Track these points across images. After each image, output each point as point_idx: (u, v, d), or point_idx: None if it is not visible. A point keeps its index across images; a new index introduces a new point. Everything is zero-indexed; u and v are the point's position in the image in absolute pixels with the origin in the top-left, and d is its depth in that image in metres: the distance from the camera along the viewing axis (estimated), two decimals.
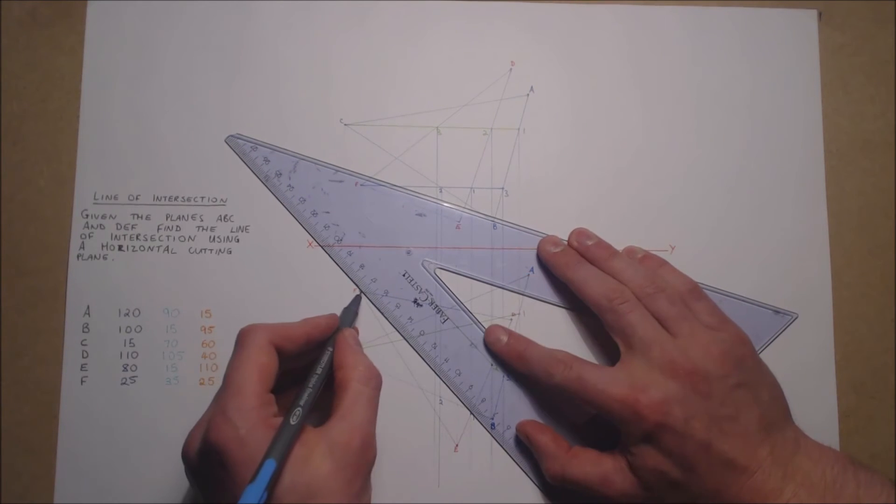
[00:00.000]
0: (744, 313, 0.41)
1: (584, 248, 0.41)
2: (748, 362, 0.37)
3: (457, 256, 0.42)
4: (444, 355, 0.41)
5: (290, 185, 0.40)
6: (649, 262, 0.41)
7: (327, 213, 0.42)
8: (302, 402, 0.33)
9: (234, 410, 0.31)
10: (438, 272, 0.41)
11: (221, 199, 0.42)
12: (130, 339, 0.41)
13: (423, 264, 0.41)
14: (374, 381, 0.35)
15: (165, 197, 0.42)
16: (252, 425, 0.31)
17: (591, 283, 0.39)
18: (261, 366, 0.33)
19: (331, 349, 0.36)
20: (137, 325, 0.41)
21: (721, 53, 0.44)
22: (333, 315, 0.38)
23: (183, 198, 0.42)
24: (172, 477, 0.40)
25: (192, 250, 0.41)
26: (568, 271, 0.40)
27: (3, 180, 0.42)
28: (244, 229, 0.42)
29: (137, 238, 0.41)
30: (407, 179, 0.42)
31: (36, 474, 0.40)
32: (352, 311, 0.40)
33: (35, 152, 0.42)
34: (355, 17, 0.43)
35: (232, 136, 0.41)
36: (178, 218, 0.42)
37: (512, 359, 0.40)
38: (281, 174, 0.41)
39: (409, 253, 0.41)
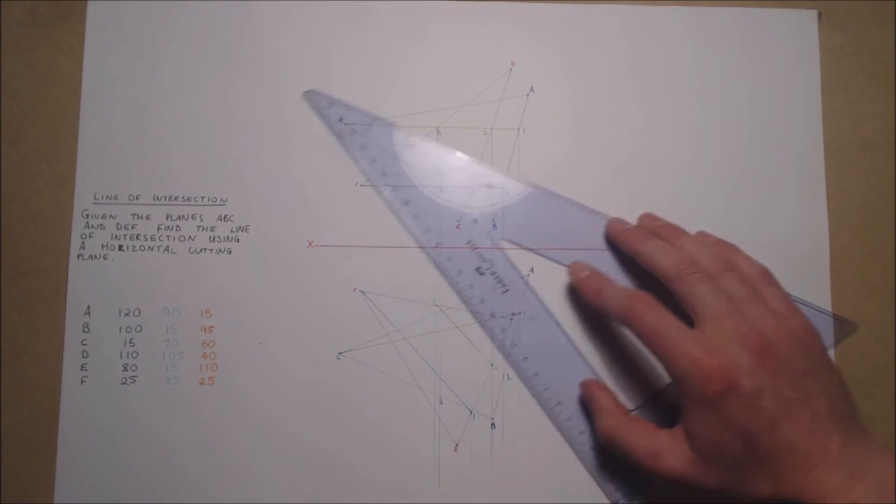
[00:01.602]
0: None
1: (654, 227, 0.41)
2: (817, 352, 0.35)
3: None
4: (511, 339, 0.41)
5: (362, 145, 0.40)
6: (721, 246, 0.40)
7: (397, 174, 0.42)
8: None
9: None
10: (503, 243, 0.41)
11: (221, 199, 0.42)
12: (130, 339, 0.41)
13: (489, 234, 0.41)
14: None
15: (165, 197, 0.42)
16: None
17: (660, 254, 0.38)
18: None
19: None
20: (137, 325, 0.41)
21: (721, 53, 0.44)
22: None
23: (183, 198, 0.42)
24: (172, 477, 0.40)
25: (192, 250, 0.41)
26: (637, 244, 0.40)
27: (3, 180, 0.42)
28: (244, 229, 0.42)
29: (137, 238, 0.41)
30: (407, 179, 0.42)
31: (36, 474, 0.40)
32: None
33: (35, 152, 0.42)
34: (355, 17, 0.43)
35: (310, 91, 0.42)
36: (178, 218, 0.42)
37: (590, 293, 0.40)
38: (355, 132, 0.41)
39: (475, 221, 0.42)
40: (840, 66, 0.44)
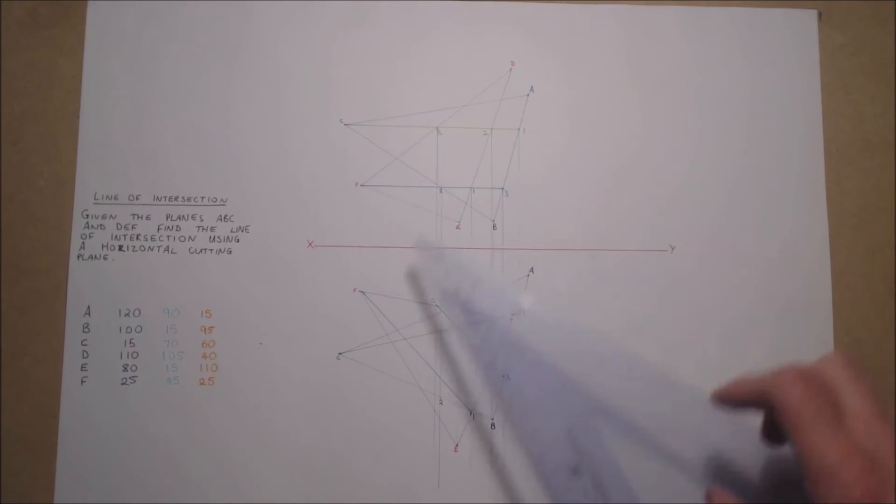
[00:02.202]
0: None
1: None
2: None
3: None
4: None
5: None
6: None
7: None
8: None
9: None
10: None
11: (221, 199, 0.42)
12: (130, 340, 0.41)
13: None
14: None
15: (165, 197, 0.42)
16: None
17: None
18: None
19: None
20: (137, 325, 0.41)
21: (721, 53, 0.44)
22: None
23: (183, 198, 0.42)
24: (172, 477, 0.40)
25: (192, 250, 0.41)
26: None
27: (3, 180, 0.42)
28: (244, 229, 0.42)
29: (137, 238, 0.41)
30: (407, 179, 0.42)
31: (36, 474, 0.40)
32: None
33: (35, 152, 0.42)
34: (355, 17, 0.43)
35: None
36: (178, 218, 0.42)
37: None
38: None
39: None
40: (840, 66, 0.44)
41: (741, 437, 0.41)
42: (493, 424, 0.41)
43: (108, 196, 0.42)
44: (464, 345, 0.41)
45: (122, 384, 0.40)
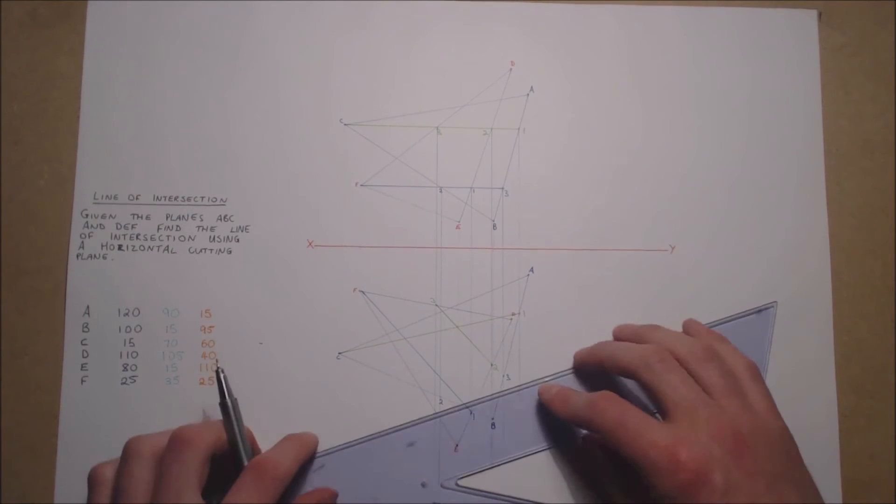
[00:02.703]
0: (736, 331, 0.41)
1: (626, 334, 0.40)
2: (796, 460, 0.34)
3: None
4: None
5: None
6: (705, 336, 0.39)
7: None
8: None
9: None
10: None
11: (221, 199, 0.42)
12: (130, 339, 0.41)
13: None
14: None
15: (165, 197, 0.42)
16: None
17: (623, 350, 0.37)
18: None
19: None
20: (137, 325, 0.41)
21: (721, 53, 0.44)
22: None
23: (183, 198, 0.42)
24: None
25: (192, 250, 0.41)
26: (598, 352, 0.39)
27: (3, 180, 0.42)
28: (244, 229, 0.42)
29: (137, 238, 0.41)
30: (407, 179, 0.42)
31: (36, 474, 0.40)
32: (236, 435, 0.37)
33: (35, 152, 0.42)
34: (355, 17, 0.43)
35: None
36: (178, 218, 0.42)
37: (559, 405, 0.38)
38: None
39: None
40: (840, 66, 0.44)
41: None
42: (493, 424, 0.41)
43: (107, 196, 0.42)
44: (464, 345, 0.41)
45: (122, 384, 0.40)
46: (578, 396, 0.37)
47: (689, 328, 0.41)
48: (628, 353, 0.37)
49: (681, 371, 0.35)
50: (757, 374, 0.36)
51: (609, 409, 0.35)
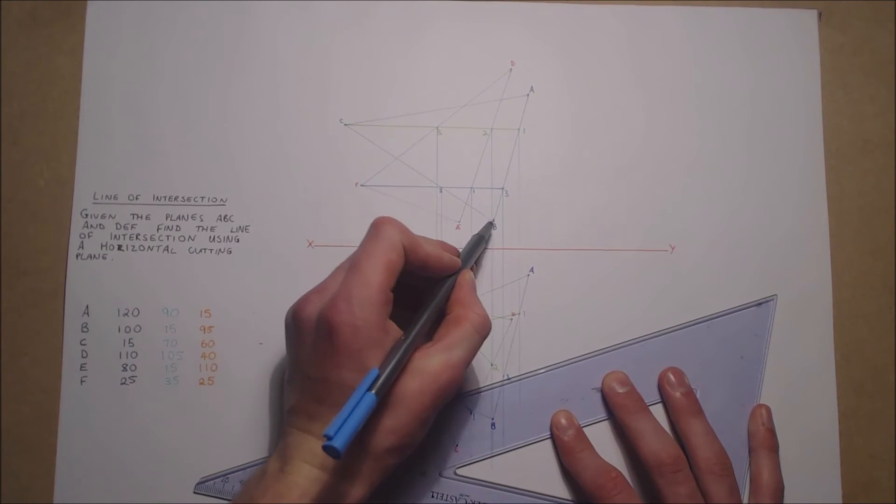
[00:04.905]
0: (736, 324, 0.42)
1: (670, 397, 0.40)
2: None
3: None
4: None
5: None
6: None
7: None
8: (419, 326, 0.34)
9: (357, 299, 0.32)
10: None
11: (221, 199, 0.42)
12: (130, 339, 0.41)
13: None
14: (485, 331, 0.36)
15: (165, 197, 0.42)
16: (369, 319, 0.32)
17: (648, 438, 0.38)
18: (390, 262, 0.33)
19: (451, 282, 0.37)
20: (137, 325, 0.41)
21: (721, 53, 0.44)
22: (457, 255, 0.38)
23: (183, 198, 0.42)
24: (172, 477, 0.40)
25: (191, 250, 0.41)
26: (628, 417, 0.39)
27: (3, 180, 0.42)
28: (244, 229, 0.42)
29: (137, 238, 0.41)
30: (407, 179, 0.42)
31: (36, 474, 0.40)
32: (473, 254, 0.40)
33: (35, 152, 0.42)
34: (355, 17, 0.43)
35: None
36: (178, 218, 0.42)
37: (565, 452, 0.39)
38: None
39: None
40: (840, 66, 0.44)
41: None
42: (493, 424, 0.41)
43: (107, 196, 0.42)
44: None
45: (122, 384, 0.40)
46: (589, 457, 0.39)
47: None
48: (650, 445, 0.38)
49: (689, 483, 0.37)
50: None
51: (615, 496, 0.37)
